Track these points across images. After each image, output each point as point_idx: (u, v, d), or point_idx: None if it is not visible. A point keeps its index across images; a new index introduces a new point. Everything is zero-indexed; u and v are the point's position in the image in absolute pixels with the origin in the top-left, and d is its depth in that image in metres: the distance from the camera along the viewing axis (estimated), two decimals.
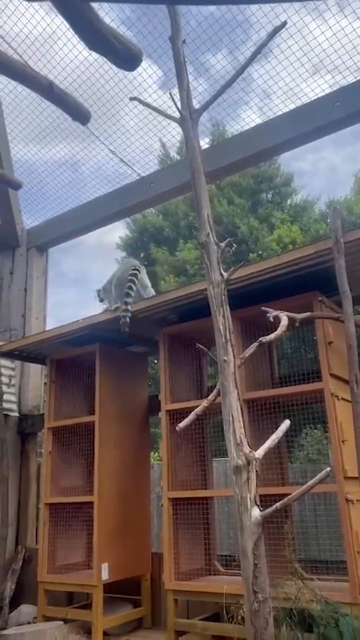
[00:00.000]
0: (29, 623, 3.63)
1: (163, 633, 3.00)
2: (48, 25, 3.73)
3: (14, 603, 3.90)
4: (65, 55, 3.83)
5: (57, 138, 4.57)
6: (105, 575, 3.21)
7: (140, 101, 2.50)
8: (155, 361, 7.30)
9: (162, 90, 3.96)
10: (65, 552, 3.59)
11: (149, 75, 3.86)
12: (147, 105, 2.48)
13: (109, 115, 4.20)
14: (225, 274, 2.01)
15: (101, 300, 3.58)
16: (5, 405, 4.24)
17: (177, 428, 1.84)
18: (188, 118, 2.30)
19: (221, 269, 2.02)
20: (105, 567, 3.23)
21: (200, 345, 2.10)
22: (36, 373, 4.64)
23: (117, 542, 3.33)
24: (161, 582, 3.05)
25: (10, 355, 3.95)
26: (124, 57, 1.84)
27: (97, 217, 4.60)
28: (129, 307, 3.16)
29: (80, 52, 3.80)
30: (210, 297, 2.02)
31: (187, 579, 2.95)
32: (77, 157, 4.62)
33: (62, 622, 2.44)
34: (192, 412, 1.89)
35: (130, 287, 3.26)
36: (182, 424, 1.85)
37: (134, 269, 3.38)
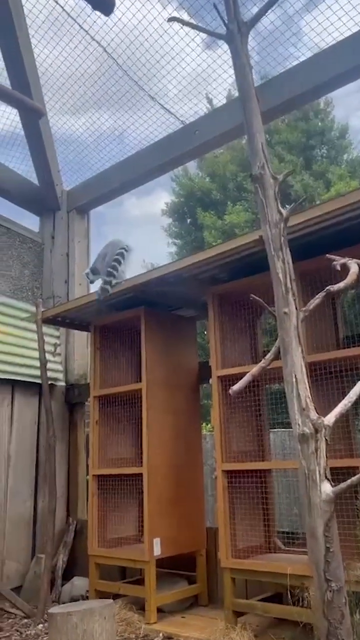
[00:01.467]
0: (82, 596, 3.61)
1: (220, 612, 2.87)
2: None
3: (67, 575, 3.89)
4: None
5: (98, 103, 4.39)
6: (157, 551, 3.11)
7: (180, 20, 2.21)
8: (206, 332, 7.14)
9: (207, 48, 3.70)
10: (117, 525, 3.52)
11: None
12: (188, 24, 2.20)
13: (151, 74, 3.98)
14: (284, 212, 1.74)
15: (91, 282, 3.53)
16: (50, 374, 4.16)
17: (230, 391, 1.62)
18: (236, 32, 2.00)
19: (279, 205, 1.75)
20: (157, 542, 3.12)
21: (256, 297, 1.85)
22: (82, 341, 4.55)
23: (169, 516, 3.22)
24: (217, 559, 2.91)
25: (53, 322, 3.86)
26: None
27: (140, 171, 4.38)
28: (112, 280, 3.21)
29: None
30: (266, 241, 1.77)
31: (245, 556, 2.79)
32: (117, 116, 4.43)
33: (111, 601, 2.33)
34: (248, 374, 1.67)
35: (114, 267, 3.27)
36: (236, 386, 1.63)
37: (121, 249, 3.37)
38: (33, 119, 4.11)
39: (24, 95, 3.95)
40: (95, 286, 3.37)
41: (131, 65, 4.04)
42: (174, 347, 3.54)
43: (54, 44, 4.15)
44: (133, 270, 3.34)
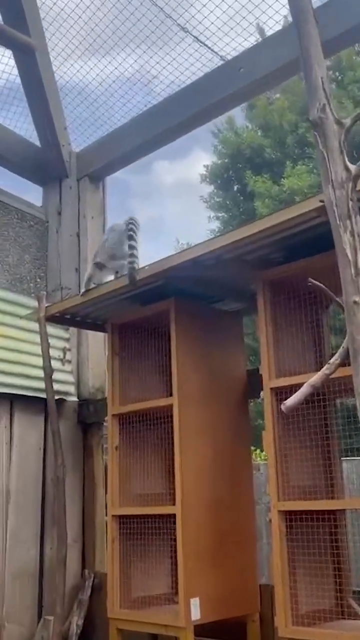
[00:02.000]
0: None
1: None
2: None
3: None
4: None
5: (116, 43, 4.42)
6: (196, 614, 3.09)
7: None
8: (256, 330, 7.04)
9: None
10: (144, 579, 3.52)
11: None
12: None
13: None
14: (353, 168, 1.68)
15: (95, 284, 3.57)
16: (58, 387, 4.19)
17: (283, 407, 1.57)
18: None
19: (346, 159, 1.69)
20: (195, 602, 3.10)
21: (315, 282, 1.79)
22: (98, 344, 4.57)
23: (211, 570, 3.20)
24: (274, 626, 2.86)
25: (60, 320, 3.90)
26: None
27: (168, 124, 4.36)
28: (135, 252, 3.26)
29: None
30: (329, 207, 1.71)
31: (310, 623, 2.73)
32: (139, 57, 4.43)
33: None
34: (305, 384, 1.61)
35: (132, 246, 3.31)
36: (289, 401, 1.58)
37: (130, 224, 3.41)
38: (27, 59, 4.15)
39: (20, 29, 4.01)
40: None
41: None
42: (215, 351, 3.50)
43: None
44: (159, 254, 3.33)
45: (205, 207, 13.62)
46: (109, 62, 4.57)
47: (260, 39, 4.04)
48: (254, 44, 4.01)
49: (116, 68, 4.57)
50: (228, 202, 13.32)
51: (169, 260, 3.06)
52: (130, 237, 3.37)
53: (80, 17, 4.33)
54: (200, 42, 4.13)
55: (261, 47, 3.99)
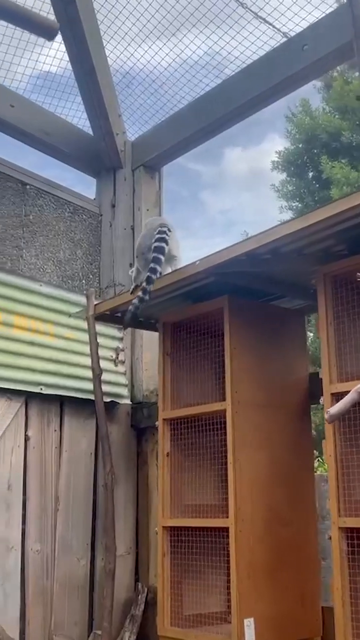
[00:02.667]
0: None
1: None
2: None
3: None
4: None
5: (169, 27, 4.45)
6: (250, 636, 3.05)
7: None
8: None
9: None
10: (197, 596, 3.50)
11: None
12: None
13: None
14: None
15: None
16: (109, 388, 4.24)
17: (326, 416, 1.52)
18: None
19: None
20: (250, 623, 3.07)
21: None
22: (152, 344, 4.57)
23: (267, 589, 3.15)
24: None
25: (110, 319, 3.93)
26: None
27: (227, 108, 4.35)
28: (149, 288, 3.27)
29: None
30: None
31: None
32: (193, 35, 4.43)
33: None
34: (352, 390, 1.55)
35: (156, 259, 3.30)
36: (333, 409, 1.52)
37: (162, 228, 3.40)
38: (78, 46, 4.22)
39: (68, 10, 4.08)
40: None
41: None
42: (273, 352, 3.46)
43: None
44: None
45: (277, 197, 13.47)
46: (164, 44, 4.59)
47: (324, 13, 3.93)
48: (318, 18, 3.92)
49: (172, 50, 4.58)
50: (302, 191, 13.12)
51: (220, 255, 3.02)
52: (157, 253, 3.35)
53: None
54: (261, 18, 4.07)
55: (327, 21, 3.90)
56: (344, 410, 1.54)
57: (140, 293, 3.32)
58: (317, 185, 12.59)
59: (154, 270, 3.32)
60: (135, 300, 3.34)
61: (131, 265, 4.70)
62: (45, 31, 2.05)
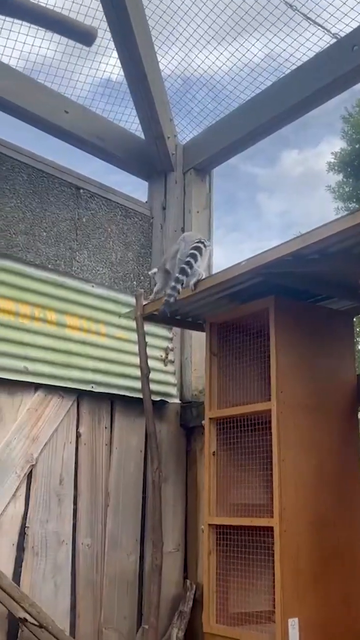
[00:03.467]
0: None
1: None
2: None
3: None
4: None
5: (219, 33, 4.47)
6: (294, 636, 3.02)
7: None
8: None
9: None
10: (242, 595, 3.49)
11: None
12: None
13: None
14: None
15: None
16: (158, 387, 4.27)
17: None
18: None
19: None
20: (294, 624, 3.04)
21: None
22: (201, 344, 4.57)
23: (313, 590, 3.12)
24: None
25: (158, 319, 3.93)
26: None
27: (277, 110, 4.33)
28: (179, 287, 3.39)
29: None
30: None
31: None
32: (245, 42, 4.44)
33: None
34: None
35: (189, 263, 3.40)
36: None
37: (198, 242, 3.52)
38: (130, 52, 4.27)
39: (121, 20, 4.13)
40: None
41: None
42: (320, 353, 3.43)
43: None
44: None
45: (333, 198, 13.29)
46: (214, 49, 4.58)
47: None
48: None
49: (222, 53, 4.58)
50: (359, 192, 12.90)
51: (265, 256, 3.00)
52: (191, 258, 3.44)
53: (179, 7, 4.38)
54: (310, 19, 4.03)
55: None
56: None
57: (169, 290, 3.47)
58: None
59: (183, 271, 3.41)
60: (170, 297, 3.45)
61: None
62: (83, 37, 2.08)
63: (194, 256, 3.44)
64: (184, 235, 3.82)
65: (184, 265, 3.42)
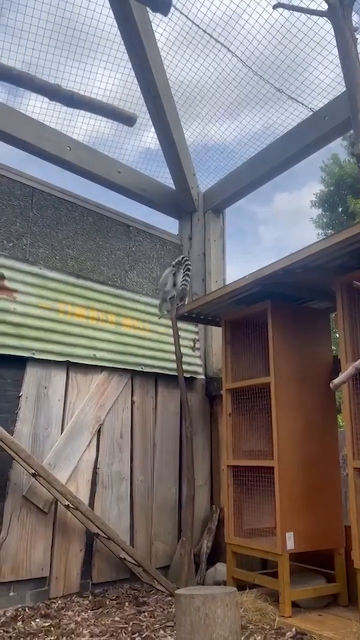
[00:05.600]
0: (224, 581, 3.66)
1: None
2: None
3: (212, 560, 3.98)
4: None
5: (235, 109, 4.48)
6: (290, 545, 3.03)
7: (284, 5, 2.12)
8: None
9: None
10: (253, 516, 3.50)
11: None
12: (291, 7, 2.10)
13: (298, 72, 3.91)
14: None
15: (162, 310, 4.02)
16: (189, 367, 4.31)
17: (330, 385, 1.52)
18: (337, 6, 1.87)
19: None
20: (290, 536, 3.05)
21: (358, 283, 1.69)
22: (219, 336, 4.59)
23: (303, 511, 3.13)
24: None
25: (188, 318, 3.98)
26: None
27: (270, 164, 4.31)
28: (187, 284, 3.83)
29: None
30: None
31: None
32: (250, 118, 4.45)
33: (234, 589, 2.33)
34: (351, 366, 1.54)
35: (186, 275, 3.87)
36: (336, 380, 1.51)
37: (187, 262, 3.95)
38: (163, 128, 4.30)
39: (156, 105, 4.16)
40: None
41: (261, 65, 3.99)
42: (305, 341, 3.41)
43: (184, 56, 4.30)
44: None
45: (314, 227, 13.15)
46: (224, 122, 4.58)
47: (340, 92, 3.83)
48: (335, 96, 3.82)
49: (230, 125, 4.59)
50: (334, 222, 12.74)
51: (263, 271, 3.02)
52: (185, 276, 3.88)
53: (198, 94, 4.39)
54: (293, 98, 4.01)
55: (341, 99, 3.80)
56: (344, 380, 1.53)
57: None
58: (345, 217, 12.19)
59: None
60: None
61: (203, 281, 4.76)
62: (126, 120, 2.10)
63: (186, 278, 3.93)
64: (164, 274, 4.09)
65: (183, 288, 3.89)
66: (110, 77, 4.28)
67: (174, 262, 4.00)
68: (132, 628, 2.84)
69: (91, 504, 3.62)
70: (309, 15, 2.84)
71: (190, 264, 3.94)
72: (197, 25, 3.95)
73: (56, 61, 3.94)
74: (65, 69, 4.04)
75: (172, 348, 4.01)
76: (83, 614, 3.09)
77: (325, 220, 12.89)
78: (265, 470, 3.27)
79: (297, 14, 2.81)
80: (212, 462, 4.42)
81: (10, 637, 2.74)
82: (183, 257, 3.98)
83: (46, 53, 3.89)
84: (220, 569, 3.79)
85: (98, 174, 4.46)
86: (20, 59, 3.78)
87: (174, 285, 3.88)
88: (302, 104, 4.03)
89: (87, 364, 3.78)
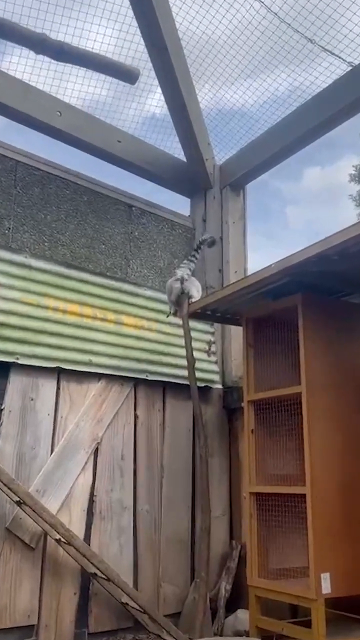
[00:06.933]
0: (245, 631, 3.64)
1: None
2: None
3: (232, 606, 3.95)
4: None
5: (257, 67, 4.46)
6: (326, 588, 3.00)
7: None
8: None
9: None
10: (281, 553, 3.47)
11: None
12: None
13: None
14: None
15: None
16: (203, 375, 4.28)
17: None
18: None
19: None
20: (326, 577, 3.02)
21: None
22: (239, 337, 4.55)
23: (342, 548, 3.09)
24: None
25: (201, 316, 3.95)
26: None
27: (299, 132, 4.28)
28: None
29: None
30: None
31: None
32: (270, 70, 4.41)
33: None
34: None
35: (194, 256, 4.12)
36: None
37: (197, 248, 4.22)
38: (171, 88, 4.29)
39: (163, 60, 4.14)
40: None
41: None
42: (343, 342, 3.38)
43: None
44: None
45: (354, 206, 13.06)
46: (243, 82, 4.56)
47: None
48: None
49: (250, 86, 4.56)
50: None
51: (292, 258, 2.98)
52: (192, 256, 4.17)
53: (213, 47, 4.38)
54: (328, 50, 3.97)
55: None
56: None
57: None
58: None
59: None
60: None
61: (220, 271, 4.75)
62: (128, 76, 2.10)
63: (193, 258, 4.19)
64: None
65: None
66: (108, 29, 4.27)
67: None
68: None
69: (87, 537, 3.60)
70: None
71: (207, 241, 4.05)
72: None
73: (43, 9, 3.93)
74: (54, 18, 4.02)
75: (183, 352, 3.99)
76: None
77: None
78: (296, 498, 3.23)
79: None
80: (232, 488, 4.39)
81: None
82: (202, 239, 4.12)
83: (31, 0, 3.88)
84: (242, 616, 3.76)
85: (94, 144, 4.45)
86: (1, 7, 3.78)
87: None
88: (339, 57, 3.99)
89: (82, 371, 3.76)
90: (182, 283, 3.89)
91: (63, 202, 4.16)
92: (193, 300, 3.86)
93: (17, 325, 3.55)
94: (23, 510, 3.29)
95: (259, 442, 3.55)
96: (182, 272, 3.96)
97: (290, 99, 4.44)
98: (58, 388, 3.69)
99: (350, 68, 3.99)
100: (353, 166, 13.38)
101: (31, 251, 3.85)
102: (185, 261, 4.11)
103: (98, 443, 3.77)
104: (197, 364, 3.91)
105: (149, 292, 4.31)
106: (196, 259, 4.14)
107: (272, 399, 3.47)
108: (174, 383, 4.19)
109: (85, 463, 3.68)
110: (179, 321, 4.03)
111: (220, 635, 3.77)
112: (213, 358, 4.52)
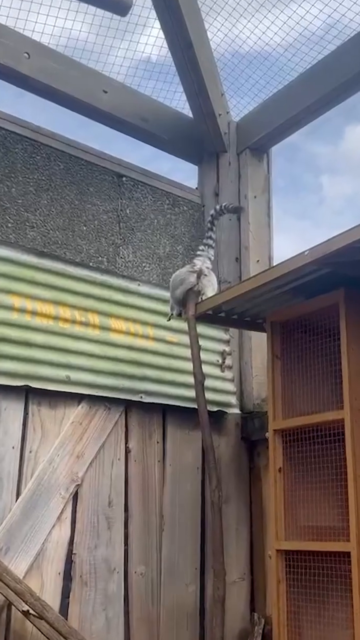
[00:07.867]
0: None
1: None
2: None
3: None
4: None
5: None
6: None
7: None
8: None
9: None
10: (318, 629, 3.45)
11: None
12: None
13: None
14: None
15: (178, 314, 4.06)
16: (215, 396, 4.28)
17: None
18: None
19: None
20: None
21: None
22: (262, 346, 4.55)
23: None
24: None
25: (212, 319, 3.95)
26: None
27: (343, 77, 4.28)
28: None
29: None
30: None
31: None
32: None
33: None
34: None
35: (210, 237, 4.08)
36: None
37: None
38: (175, 23, 4.30)
39: None
40: None
41: None
42: None
43: None
44: None
45: None
46: (264, 17, 4.56)
47: None
48: None
49: (273, 22, 4.56)
50: None
51: (332, 243, 2.97)
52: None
53: None
54: None
55: None
56: None
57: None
58: None
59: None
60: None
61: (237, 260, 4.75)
62: (116, 5, 2.10)
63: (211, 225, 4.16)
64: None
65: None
66: None
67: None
68: None
69: (64, 609, 3.59)
70: None
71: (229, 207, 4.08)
72: None
73: None
74: None
75: (189, 366, 3.99)
76: None
77: None
78: (337, 559, 3.23)
79: None
80: (253, 544, 4.41)
81: None
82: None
83: None
84: None
85: (73, 95, 4.46)
86: None
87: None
88: None
89: (57, 391, 3.76)
90: (198, 278, 3.85)
91: (33, 171, 4.16)
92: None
93: None
94: None
95: (288, 484, 3.54)
96: (201, 262, 3.91)
97: (325, 38, 4.44)
98: (26, 413, 3.69)
99: None
100: None
101: None
102: (201, 247, 4.05)
103: (78, 485, 3.76)
104: (208, 382, 3.89)
105: (144, 288, 4.31)
106: (213, 240, 4.08)
107: (306, 427, 3.46)
108: (177, 407, 4.20)
109: (62, 512, 3.67)
110: (185, 326, 4.02)
111: None
112: (228, 374, 4.52)
